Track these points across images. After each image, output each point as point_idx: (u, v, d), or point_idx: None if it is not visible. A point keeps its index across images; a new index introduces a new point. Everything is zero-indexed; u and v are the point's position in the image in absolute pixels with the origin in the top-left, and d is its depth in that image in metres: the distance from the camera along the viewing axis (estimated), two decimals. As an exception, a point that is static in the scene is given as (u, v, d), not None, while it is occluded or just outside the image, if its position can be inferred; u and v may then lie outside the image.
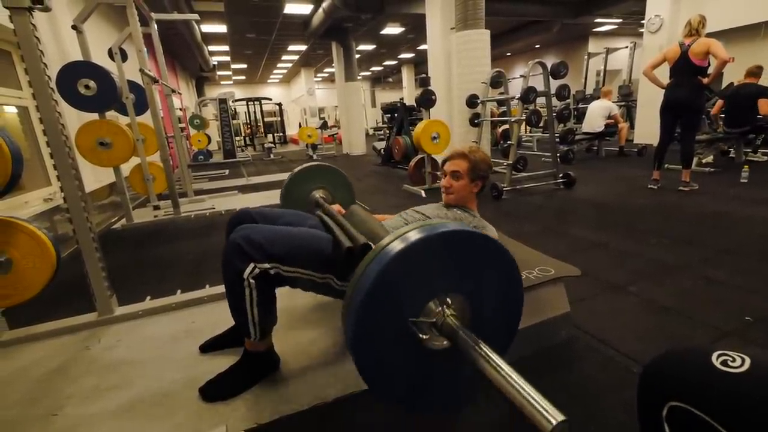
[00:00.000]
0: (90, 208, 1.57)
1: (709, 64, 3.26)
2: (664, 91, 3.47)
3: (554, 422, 0.55)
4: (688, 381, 0.49)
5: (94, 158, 3.25)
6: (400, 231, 0.78)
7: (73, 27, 3.19)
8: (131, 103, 3.54)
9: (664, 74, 3.46)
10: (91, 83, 3.01)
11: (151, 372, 1.27)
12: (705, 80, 3.26)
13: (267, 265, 1.04)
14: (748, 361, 0.46)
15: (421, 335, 0.79)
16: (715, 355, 0.48)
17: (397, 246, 0.74)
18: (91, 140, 3.18)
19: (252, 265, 1.03)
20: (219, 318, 1.50)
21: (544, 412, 0.57)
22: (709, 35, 3.26)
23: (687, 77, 3.27)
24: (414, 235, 0.75)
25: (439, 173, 4.62)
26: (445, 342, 0.81)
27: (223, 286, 1.74)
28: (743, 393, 0.44)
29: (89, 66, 3.07)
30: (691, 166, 3.55)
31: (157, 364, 1.31)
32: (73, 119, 3.39)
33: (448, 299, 0.80)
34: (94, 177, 3.73)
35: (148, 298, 1.78)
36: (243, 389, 1.15)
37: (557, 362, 1.33)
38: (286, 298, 1.62)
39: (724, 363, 0.46)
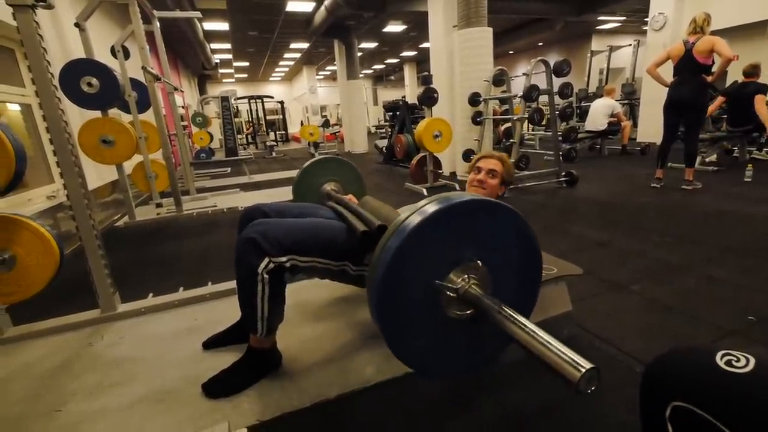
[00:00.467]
0: (93, 206, 1.57)
1: (713, 62, 3.24)
2: (667, 89, 3.45)
3: (583, 369, 0.56)
4: (691, 381, 0.48)
5: (96, 156, 3.25)
6: (417, 205, 0.80)
7: (76, 25, 3.19)
8: (134, 101, 3.55)
9: (667, 72, 3.44)
10: (94, 81, 3.01)
11: (154, 369, 1.28)
12: (709, 78, 3.24)
13: (283, 259, 1.05)
14: (752, 361, 0.45)
15: (449, 293, 0.79)
16: (719, 354, 0.47)
17: (416, 219, 0.74)
18: (93, 138, 3.19)
19: (267, 259, 1.03)
20: (222, 315, 1.50)
21: (573, 362, 0.58)
22: (714, 33, 3.24)
23: (691, 75, 3.26)
24: (431, 207, 0.76)
25: (438, 172, 4.62)
26: (467, 311, 0.82)
27: (226, 283, 1.79)
28: (747, 393, 0.43)
29: (92, 63, 3.07)
30: (695, 164, 3.54)
31: (159, 361, 1.32)
32: (76, 117, 3.39)
33: (469, 269, 0.81)
34: (96, 174, 3.74)
35: (151, 295, 1.79)
36: (246, 386, 1.16)
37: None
38: (294, 294, 1.62)
39: (729, 363, 0.46)
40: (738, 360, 0.46)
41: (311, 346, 1.35)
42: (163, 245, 2.98)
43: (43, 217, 2.74)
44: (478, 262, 0.81)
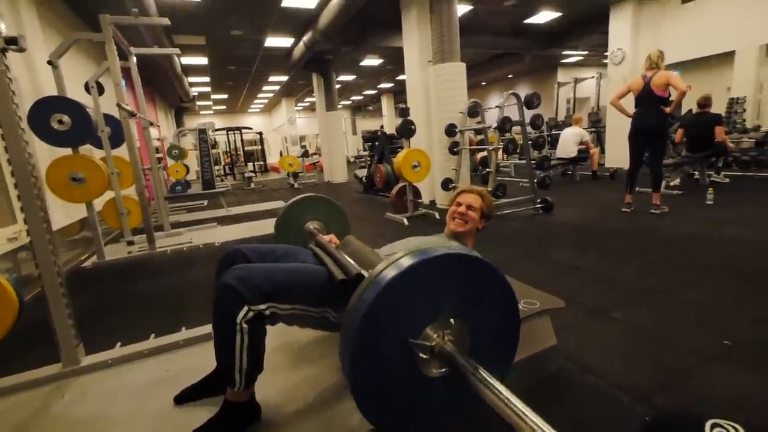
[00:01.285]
0: (57, 251, 1.49)
1: (669, 94, 3.49)
2: (630, 118, 3.67)
3: None
4: None
5: (65, 194, 3.13)
6: (393, 257, 0.78)
7: (49, 62, 3.15)
8: (107, 137, 3.47)
9: (629, 103, 3.68)
10: (65, 118, 2.94)
11: (121, 429, 1.18)
12: (667, 109, 3.47)
13: (262, 306, 1.01)
14: None
15: (421, 354, 0.77)
16: (708, 425, 0.47)
17: (391, 272, 0.74)
18: (62, 176, 3.08)
19: (246, 308, 0.99)
20: (196, 364, 1.42)
21: None
22: (668, 67, 3.50)
23: (651, 106, 3.48)
24: (407, 261, 0.75)
25: (418, 201, 4.67)
26: (443, 369, 0.80)
27: (201, 327, 1.71)
28: None
29: (63, 101, 3.02)
30: (661, 188, 3.71)
31: (127, 420, 1.22)
32: (43, 153, 3.28)
33: (445, 325, 0.79)
34: (64, 212, 3.59)
35: (119, 344, 1.67)
36: (222, 445, 1.08)
37: (547, 396, 1.31)
38: (275, 337, 1.54)
39: None
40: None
41: (293, 394, 1.28)
42: (134, 287, 2.84)
43: (2, 261, 2.58)
44: (454, 318, 0.80)
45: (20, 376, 1.46)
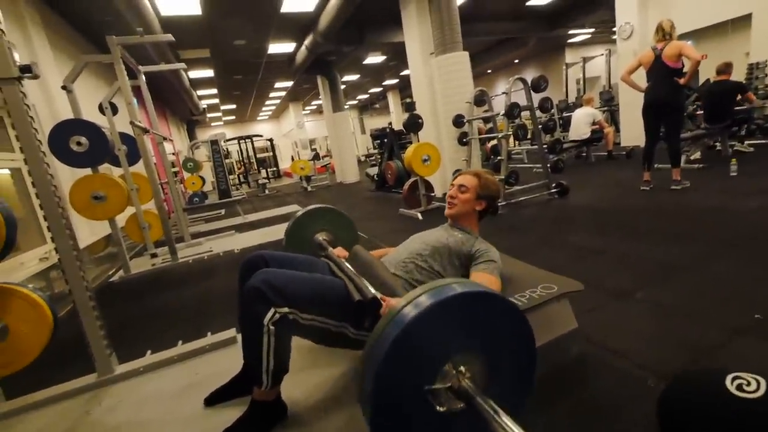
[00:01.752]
0: (85, 267, 1.55)
1: (683, 66, 3.37)
2: (644, 94, 3.56)
3: None
4: (707, 412, 0.48)
5: (88, 213, 3.25)
6: (411, 295, 0.80)
7: (63, 87, 3.26)
8: (124, 155, 3.58)
9: (640, 78, 3.56)
10: (83, 140, 3.05)
11: (156, 432, 1.23)
12: (681, 81, 3.35)
13: (286, 309, 1.04)
14: (763, 384, 0.45)
15: (438, 407, 0.78)
16: (729, 378, 0.47)
17: (411, 312, 0.75)
18: (85, 195, 3.19)
19: (273, 310, 1.02)
20: (222, 367, 1.46)
21: None
22: (680, 36, 3.38)
23: (664, 79, 3.37)
24: (427, 300, 0.76)
25: (430, 195, 4.66)
26: (461, 405, 0.81)
27: (226, 331, 1.75)
28: (761, 420, 0.43)
29: (80, 123, 3.12)
30: (680, 164, 3.59)
31: (160, 423, 1.27)
32: (66, 173, 3.41)
33: (462, 362, 0.80)
34: (89, 230, 3.73)
35: (149, 352, 1.74)
36: (252, 443, 1.11)
37: (571, 380, 1.30)
38: (295, 337, 1.59)
39: (740, 387, 0.45)
40: (748, 383, 0.45)
41: (317, 391, 1.30)
42: (160, 297, 2.93)
43: (36, 280, 2.70)
44: (471, 353, 0.80)
45: (59, 387, 1.53)
